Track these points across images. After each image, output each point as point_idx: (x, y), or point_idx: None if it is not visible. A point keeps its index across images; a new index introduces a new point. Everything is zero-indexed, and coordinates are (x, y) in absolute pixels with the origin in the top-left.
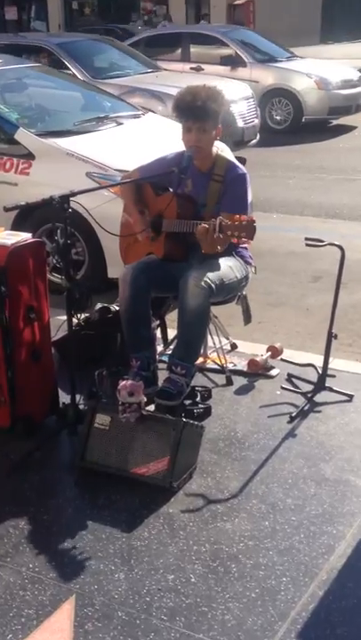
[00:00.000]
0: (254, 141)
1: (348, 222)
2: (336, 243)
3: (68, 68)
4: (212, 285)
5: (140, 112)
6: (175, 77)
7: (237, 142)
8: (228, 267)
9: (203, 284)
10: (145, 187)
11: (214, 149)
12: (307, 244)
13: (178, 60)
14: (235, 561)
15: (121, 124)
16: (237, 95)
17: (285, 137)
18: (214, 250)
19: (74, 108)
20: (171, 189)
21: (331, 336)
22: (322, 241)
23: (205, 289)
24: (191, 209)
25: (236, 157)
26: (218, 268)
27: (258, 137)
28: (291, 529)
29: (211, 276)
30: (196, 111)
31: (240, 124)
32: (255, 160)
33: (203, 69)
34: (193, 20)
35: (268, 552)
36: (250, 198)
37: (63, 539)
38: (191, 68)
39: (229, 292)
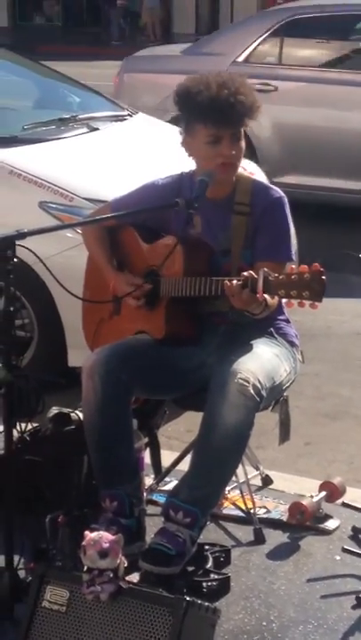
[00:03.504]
0: None
1: None
2: None
3: None
4: (262, 391)
5: (125, 112)
6: None
7: None
8: (273, 355)
9: (250, 388)
10: (126, 231)
11: None
12: None
13: None
14: None
15: (96, 129)
16: None
17: None
18: (255, 310)
19: (23, 103)
20: (163, 233)
21: None
22: None
23: (253, 397)
24: (206, 260)
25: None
26: (261, 357)
27: None
28: None
29: (259, 374)
30: (230, 111)
31: None
32: None
33: None
34: None
35: None
36: (294, 238)
37: None
38: None
39: (276, 396)
